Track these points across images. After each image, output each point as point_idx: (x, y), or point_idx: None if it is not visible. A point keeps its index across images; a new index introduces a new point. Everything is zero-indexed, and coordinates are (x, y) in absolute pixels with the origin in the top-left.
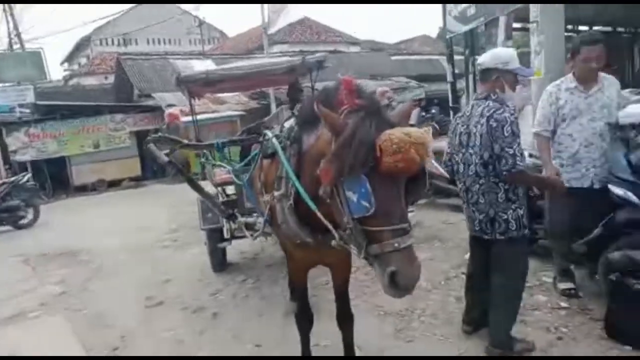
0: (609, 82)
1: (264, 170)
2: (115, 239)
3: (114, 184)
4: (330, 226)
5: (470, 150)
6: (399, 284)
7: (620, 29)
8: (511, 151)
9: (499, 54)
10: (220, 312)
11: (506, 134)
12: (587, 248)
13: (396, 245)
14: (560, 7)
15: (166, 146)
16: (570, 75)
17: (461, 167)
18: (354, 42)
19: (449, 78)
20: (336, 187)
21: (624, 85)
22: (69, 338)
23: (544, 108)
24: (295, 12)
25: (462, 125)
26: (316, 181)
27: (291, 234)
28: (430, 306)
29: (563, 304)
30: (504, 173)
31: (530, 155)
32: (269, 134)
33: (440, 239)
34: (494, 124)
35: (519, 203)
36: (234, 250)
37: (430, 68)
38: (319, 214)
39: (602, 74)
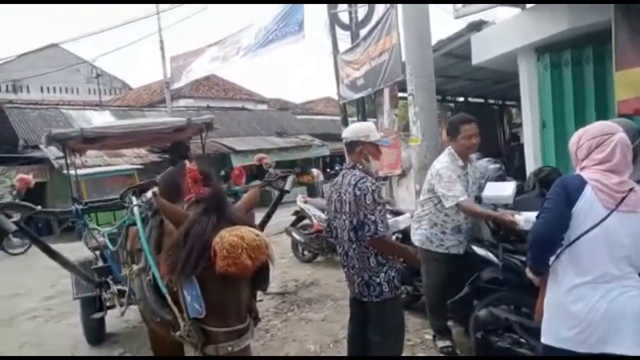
0: (470, 158)
1: (130, 238)
2: None
3: None
4: (177, 313)
5: (343, 217)
6: None
7: (490, 101)
8: (373, 218)
9: (360, 128)
10: None
11: (368, 202)
12: (459, 306)
13: (229, 349)
14: (431, 83)
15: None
16: (452, 152)
17: (338, 232)
18: (262, 100)
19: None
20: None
21: (496, 153)
22: None
23: (458, 179)
24: (199, 71)
25: (336, 193)
26: None
27: (150, 311)
28: None
29: None
30: (367, 238)
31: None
32: (134, 200)
33: (334, 297)
34: (358, 192)
35: (389, 265)
36: (117, 319)
37: (334, 127)
38: (168, 298)
39: None
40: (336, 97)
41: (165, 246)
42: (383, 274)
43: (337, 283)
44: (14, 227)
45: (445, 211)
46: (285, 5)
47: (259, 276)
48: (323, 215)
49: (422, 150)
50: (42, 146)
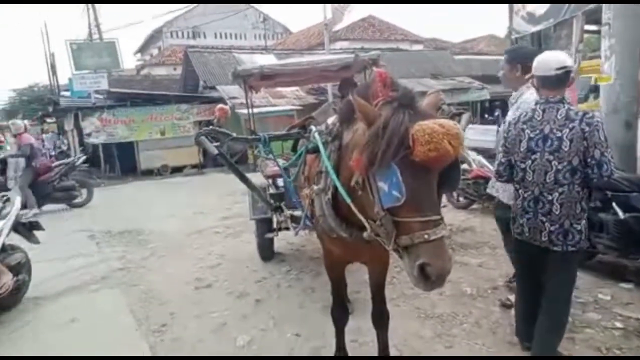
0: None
1: (308, 164)
2: (173, 222)
3: (176, 170)
4: (362, 218)
5: (550, 157)
6: (429, 276)
7: None
8: (609, 157)
9: (567, 58)
10: (263, 299)
11: (602, 139)
12: None
13: (426, 236)
14: (637, 11)
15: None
16: None
17: (529, 174)
18: (417, 41)
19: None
20: (368, 177)
21: None
22: (122, 311)
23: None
24: (359, 11)
25: (532, 130)
26: (350, 173)
27: (328, 228)
28: (473, 314)
29: (619, 325)
30: (604, 179)
31: None
32: (313, 129)
33: (490, 246)
34: (587, 128)
35: (586, 214)
36: (283, 241)
37: (496, 69)
38: (352, 206)
39: None
40: (500, 35)
41: (358, 144)
42: (584, 222)
43: (493, 232)
44: (216, 151)
45: None
46: None
47: (451, 172)
48: (484, 161)
49: (615, 90)
50: (218, 87)
